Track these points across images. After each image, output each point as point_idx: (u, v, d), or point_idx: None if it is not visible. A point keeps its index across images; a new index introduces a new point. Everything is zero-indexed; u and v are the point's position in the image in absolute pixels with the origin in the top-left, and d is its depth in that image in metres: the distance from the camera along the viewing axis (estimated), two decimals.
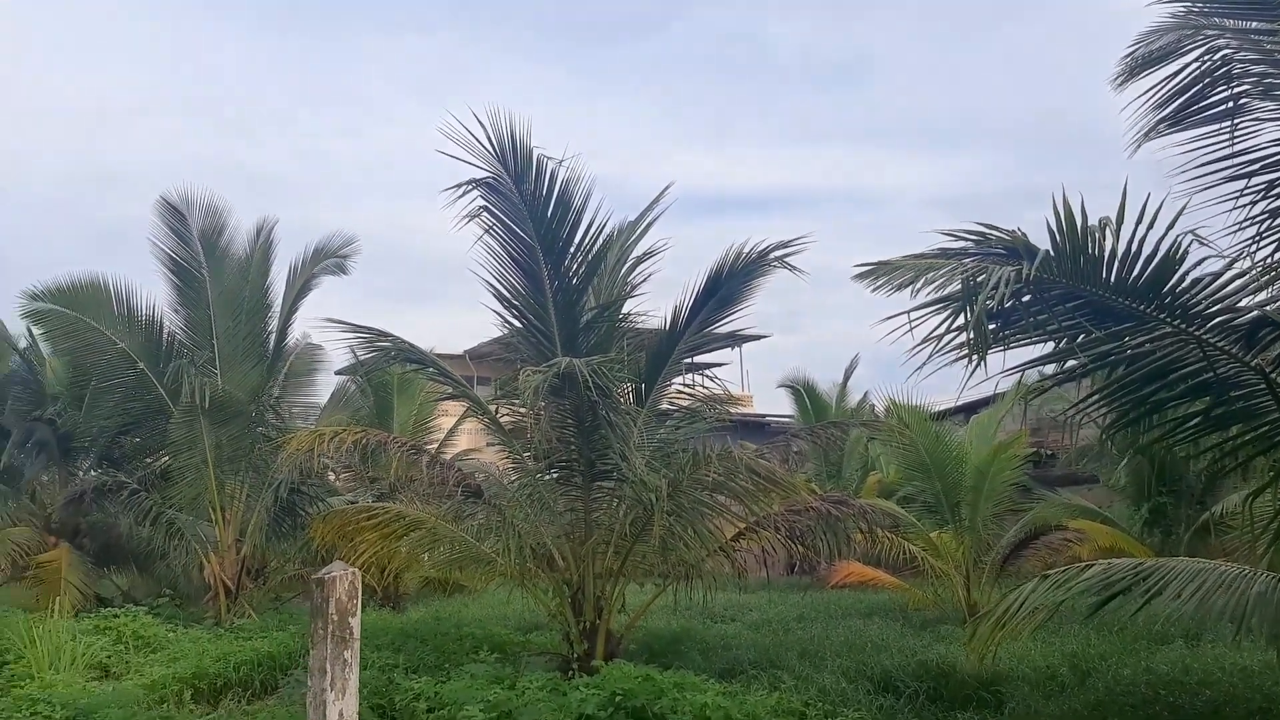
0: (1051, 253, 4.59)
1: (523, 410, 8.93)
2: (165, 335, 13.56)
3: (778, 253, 8.40)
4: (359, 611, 3.30)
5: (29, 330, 16.34)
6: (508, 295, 9.23)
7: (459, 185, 8.61)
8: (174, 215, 13.15)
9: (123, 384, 14.07)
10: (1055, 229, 4.61)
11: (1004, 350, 4.93)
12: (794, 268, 8.55)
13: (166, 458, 14.21)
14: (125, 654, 10.47)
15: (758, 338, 9.80)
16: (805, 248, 8.62)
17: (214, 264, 13.40)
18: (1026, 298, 4.91)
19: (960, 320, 4.51)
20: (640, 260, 9.61)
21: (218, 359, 13.36)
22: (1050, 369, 5.92)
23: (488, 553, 9.22)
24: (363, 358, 13.46)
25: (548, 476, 9.15)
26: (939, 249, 4.98)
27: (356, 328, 9.00)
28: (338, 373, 18.41)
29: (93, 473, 16.40)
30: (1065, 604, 6.43)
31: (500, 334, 10.44)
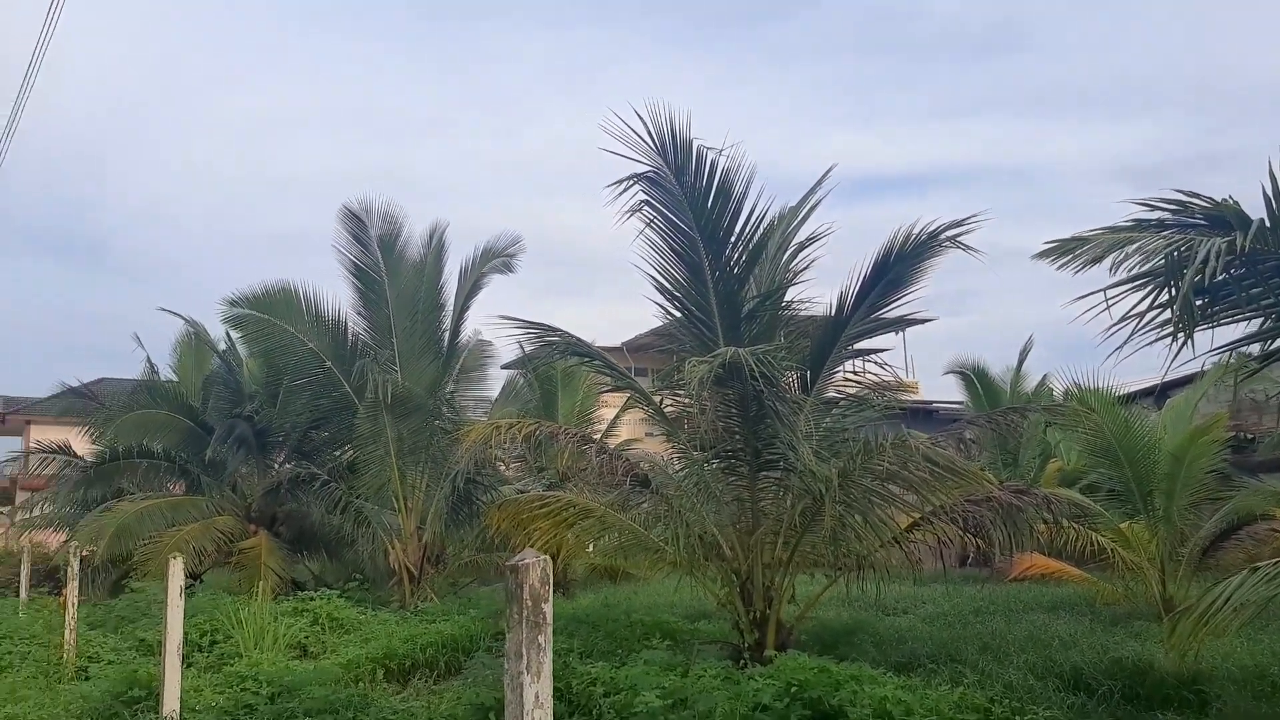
0: (1266, 221, 4.22)
1: (686, 400, 8.97)
2: (350, 335, 14.40)
3: (950, 233, 8.11)
4: (551, 598, 3.39)
5: (228, 334, 17.72)
6: (668, 286, 9.29)
7: (620, 181, 8.72)
8: (355, 222, 13.93)
9: (312, 382, 15.05)
10: (1272, 194, 4.22)
11: (1211, 328, 4.57)
12: (967, 247, 8.25)
13: (353, 450, 15.10)
14: (321, 635, 11.19)
15: (924, 321, 9.46)
16: (977, 226, 8.30)
17: (391, 267, 14.12)
18: (1235, 271, 4.54)
19: (1164, 296, 4.21)
20: (802, 246, 9.46)
21: (397, 357, 14.08)
22: (1255, 348, 5.45)
23: (655, 541, 9.34)
24: (530, 351, 13.94)
25: (713, 466, 9.16)
26: (1133, 220, 4.66)
27: (528, 324, 9.28)
28: (503, 367, 19.04)
29: (287, 465, 17.60)
30: (1276, 600, 5.94)
31: (658, 325, 10.53)
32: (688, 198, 8.59)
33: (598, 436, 17.18)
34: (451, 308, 14.50)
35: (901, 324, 9.60)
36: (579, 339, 9.79)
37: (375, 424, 13.47)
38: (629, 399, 17.93)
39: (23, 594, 15.14)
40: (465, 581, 16.07)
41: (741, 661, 8.13)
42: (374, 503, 14.22)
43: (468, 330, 15.05)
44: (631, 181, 8.72)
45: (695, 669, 7.57)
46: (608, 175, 8.79)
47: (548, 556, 3.79)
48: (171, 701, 7.15)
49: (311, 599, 12.12)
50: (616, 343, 28.16)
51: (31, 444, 28.93)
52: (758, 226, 8.79)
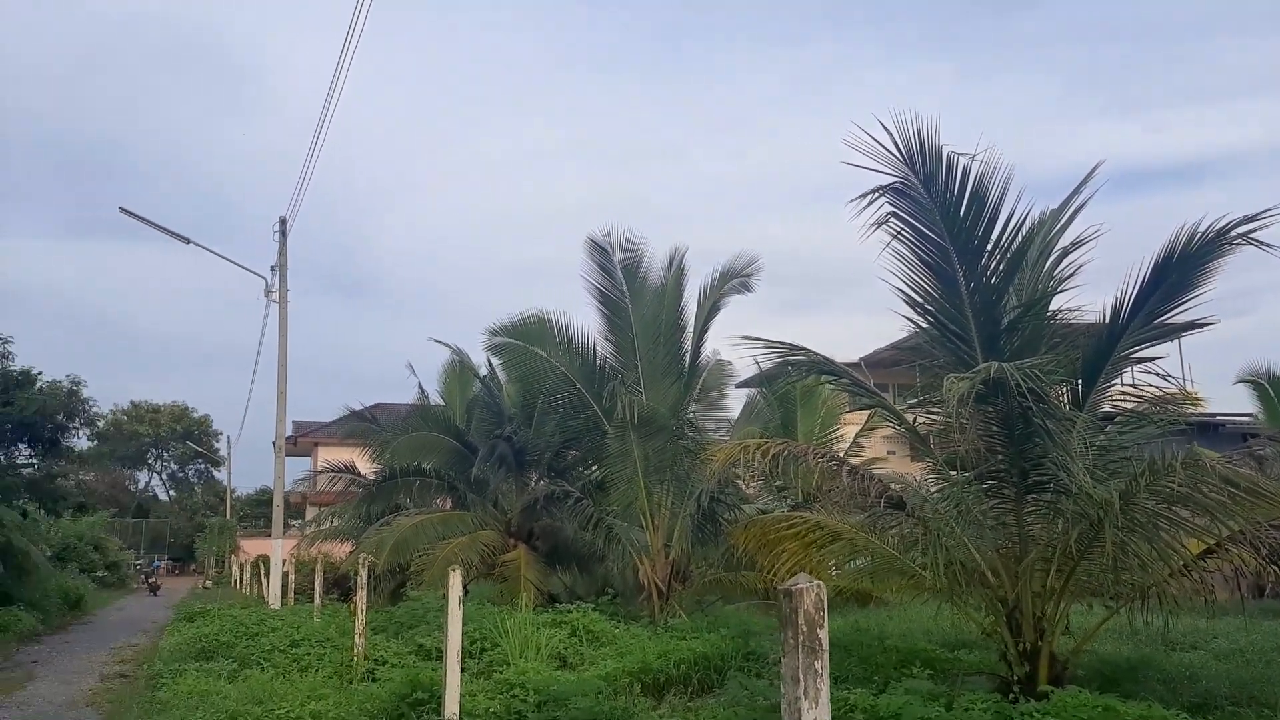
0: None
1: (942, 418, 8.59)
2: (598, 359, 14.99)
3: (1241, 229, 7.31)
4: (826, 623, 3.32)
5: (489, 360, 18.96)
6: (918, 300, 8.95)
7: (865, 195, 8.52)
8: (599, 252, 14.52)
9: (564, 404, 15.79)
10: None
11: None
12: (1263, 244, 7.38)
13: (602, 469, 15.66)
14: (579, 646, 11.62)
15: (1207, 325, 8.54)
16: (1273, 220, 7.43)
17: (634, 293, 14.58)
18: None
19: None
20: (1066, 251, 8.84)
21: (641, 378, 14.48)
22: None
23: (911, 566, 8.99)
24: (769, 370, 13.88)
25: (973, 488, 8.70)
26: None
27: (771, 343, 9.25)
28: (738, 385, 19.07)
29: (542, 482, 18.53)
30: None
31: (899, 340, 10.19)
32: (938, 207, 8.27)
33: (841, 456, 16.88)
34: (692, 329, 14.75)
35: (1184, 330, 8.75)
36: (824, 357, 9.64)
37: (623, 443, 13.89)
38: (872, 417, 17.48)
39: (317, 600, 16.82)
40: (711, 599, 16.18)
41: (1011, 695, 7.64)
42: (622, 520, 14.65)
43: (707, 351, 15.25)
44: (876, 194, 8.50)
45: (961, 700, 7.20)
46: (837, 189, 8.65)
47: (821, 583, 3.72)
48: (452, 705, 7.66)
49: (568, 611, 12.62)
50: (853, 358, 27.51)
51: (320, 464, 32.21)
52: (1016, 232, 8.30)
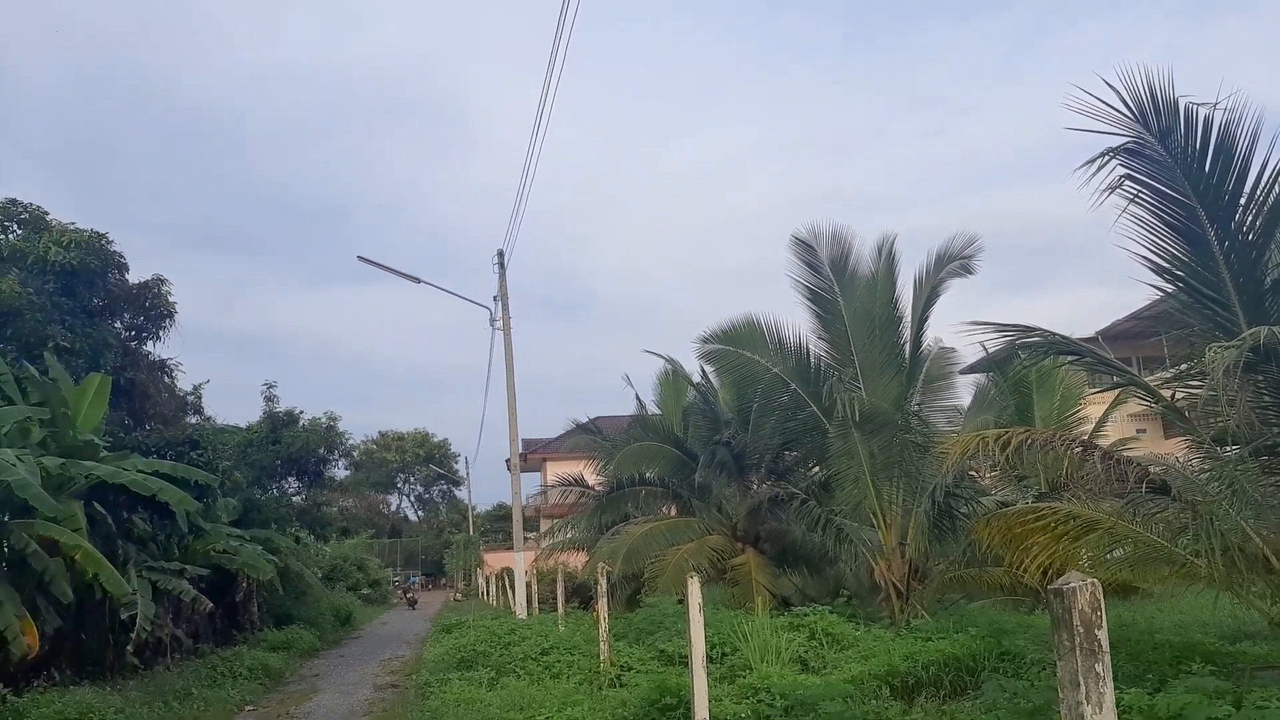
0: None
1: (1202, 391, 7.87)
2: (811, 358, 14.79)
3: None
4: (1104, 623, 3.13)
5: (702, 368, 19.18)
6: (1164, 265, 8.24)
7: (1093, 160, 7.97)
8: (805, 249, 14.33)
9: (779, 405, 15.71)
10: None
11: None
12: None
13: (824, 468, 15.43)
14: (819, 649, 11.48)
15: None
16: None
17: (844, 287, 14.28)
18: None
19: None
20: None
21: (859, 374, 14.15)
22: None
23: (1180, 554, 8.28)
24: (996, 354, 13.20)
25: (1249, 465, 7.90)
26: None
27: (1001, 326, 8.80)
28: (961, 372, 18.25)
29: (764, 485, 18.49)
30: None
31: (1139, 309, 9.39)
32: (1179, 164, 7.60)
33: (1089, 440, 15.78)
34: (909, 319, 14.26)
35: None
36: (1062, 336, 9.07)
37: (846, 442, 13.63)
38: (1119, 396, 16.23)
39: (560, 609, 17.55)
40: (953, 597, 15.56)
41: None
42: (852, 519, 14.36)
43: (928, 340, 14.68)
44: (1107, 156, 7.93)
45: (1251, 698, 6.56)
46: (1052, 157, 8.13)
47: (1095, 580, 3.52)
48: (701, 710, 7.77)
49: (805, 614, 12.50)
50: (1088, 333, 25.67)
51: (550, 478, 33.66)
52: (1273, 183, 7.49)
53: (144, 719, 11.22)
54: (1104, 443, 16.03)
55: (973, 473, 14.98)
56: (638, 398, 22.59)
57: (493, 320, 24.10)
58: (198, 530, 17.35)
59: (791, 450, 17.74)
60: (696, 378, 20.74)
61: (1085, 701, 3.20)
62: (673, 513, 20.74)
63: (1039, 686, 8.02)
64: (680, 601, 14.38)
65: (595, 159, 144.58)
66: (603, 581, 12.12)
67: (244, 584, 20.37)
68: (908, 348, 14.31)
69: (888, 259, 14.35)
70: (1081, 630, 3.24)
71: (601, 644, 11.53)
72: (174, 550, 16.46)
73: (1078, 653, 3.30)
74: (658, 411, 22.84)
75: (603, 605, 11.71)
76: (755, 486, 18.83)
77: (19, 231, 20.18)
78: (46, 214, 20.50)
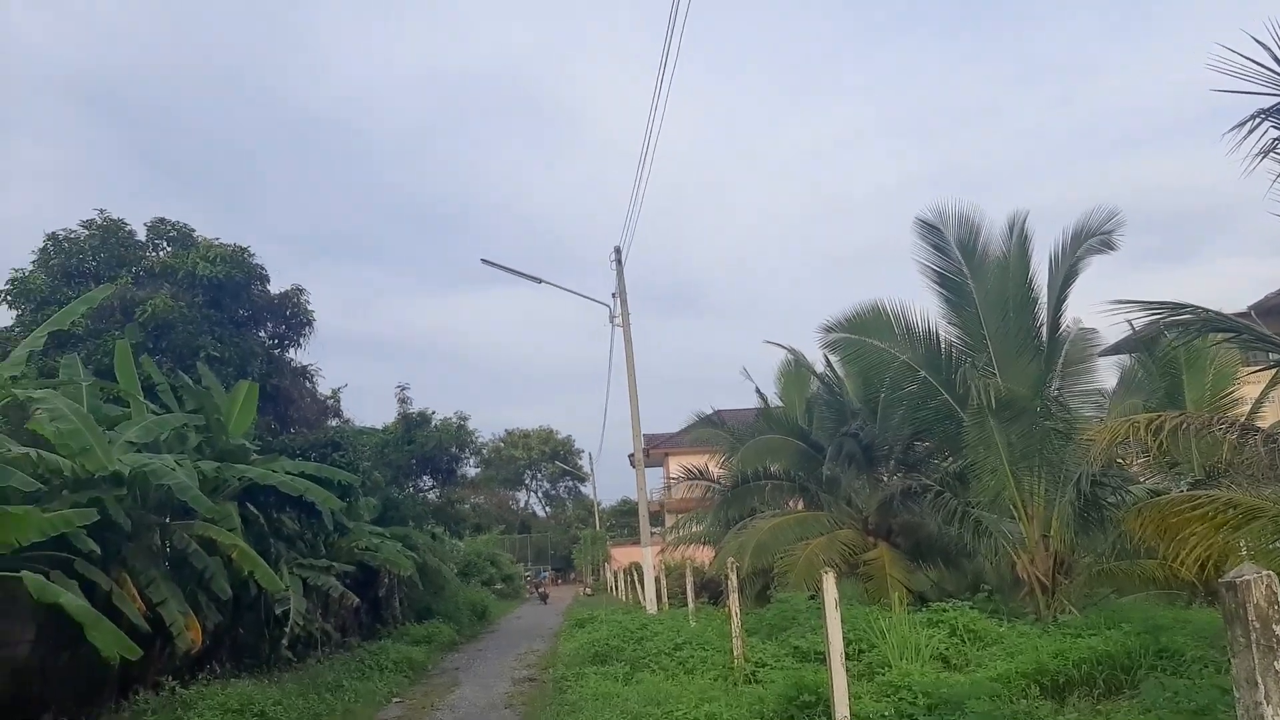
0: None
1: None
2: (941, 344, 14.32)
3: None
4: None
5: (825, 357, 18.84)
6: None
7: (1243, 122, 7.46)
8: (930, 231, 13.88)
9: (909, 394, 15.23)
10: None
11: None
12: None
13: (959, 458, 14.90)
14: (961, 647, 11.11)
15: None
16: None
17: (974, 269, 13.77)
18: None
19: None
20: None
21: (993, 359, 13.63)
22: None
23: None
24: (1140, 333, 12.49)
25: None
26: None
27: (1149, 305, 8.32)
28: (1100, 354, 17.37)
29: (895, 477, 18.04)
30: None
31: None
32: None
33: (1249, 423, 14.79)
34: (1045, 299, 13.62)
35: None
36: (1214, 312, 8.50)
37: (981, 430, 13.14)
38: (1277, 374, 15.11)
39: (690, 604, 17.56)
40: (1102, 592, 14.83)
41: None
42: (990, 511, 13.84)
43: (1066, 321, 13.99)
44: (1259, 118, 7.40)
45: None
46: (1190, 121, 7.60)
47: (1271, 573, 3.30)
48: (841, 708, 7.64)
49: (945, 610, 12.13)
50: (1240, 308, 24.07)
51: (673, 472, 33.75)
52: None
53: (300, 710, 11.78)
54: (1263, 424, 15.02)
55: (1119, 460, 14.25)
56: (758, 390, 22.38)
57: (612, 317, 24.34)
58: (342, 528, 18.13)
59: (923, 440, 17.23)
60: (819, 367, 20.40)
61: (1265, 702, 3.00)
62: (800, 507, 20.47)
63: (1201, 685, 7.56)
64: (813, 597, 14.21)
65: (706, 147, 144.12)
66: (733, 577, 12.05)
67: (386, 580, 21.20)
68: (1044, 330, 13.68)
69: (1019, 238, 13.75)
70: (1258, 625, 3.03)
71: (734, 640, 11.48)
72: (321, 548, 17.23)
73: (1254, 649, 3.09)
74: (780, 403, 22.57)
75: (734, 600, 11.65)
76: (886, 479, 18.40)
77: (168, 249, 21.50)
78: (193, 231, 21.79)
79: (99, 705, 10.74)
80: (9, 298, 19.19)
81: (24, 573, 8.52)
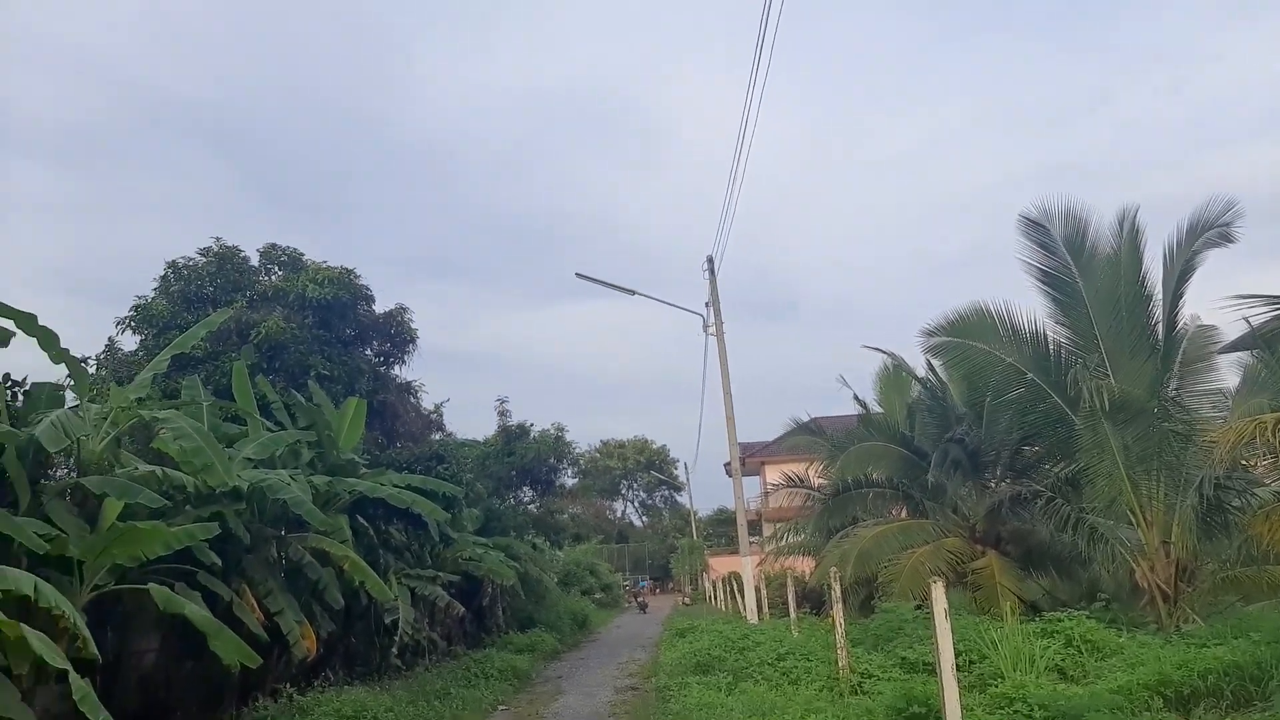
0: None
1: None
2: (1049, 345, 13.87)
3: None
4: None
5: (927, 361, 18.42)
6: None
7: None
8: (1035, 229, 13.49)
9: (1016, 397, 14.82)
10: None
11: None
12: None
13: (1070, 463, 14.39)
14: (1077, 658, 10.72)
15: None
16: None
17: (1082, 267, 13.31)
18: None
19: None
20: None
21: (1105, 360, 13.14)
22: None
23: None
24: (1263, 329, 11.85)
25: None
26: None
27: (1272, 299, 7.91)
28: (1220, 351, 16.53)
29: (1003, 483, 17.50)
30: None
31: None
32: None
33: None
34: (1160, 296, 13.07)
35: None
36: None
37: (1095, 434, 12.65)
38: None
39: (792, 614, 17.37)
40: (1227, 600, 14.09)
41: None
42: (1106, 517, 13.32)
43: (1183, 318, 13.39)
44: None
45: None
46: None
47: None
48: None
49: (1059, 620, 11.71)
50: None
51: (769, 481, 33.46)
52: None
53: (410, 716, 12.06)
54: None
55: (1244, 462, 13.56)
56: (856, 397, 22.00)
57: (705, 326, 24.29)
58: (447, 539, 18.53)
59: (1032, 445, 16.70)
60: (920, 372, 19.96)
61: None
62: (903, 514, 20.05)
63: None
64: (919, 606, 13.88)
65: (796, 153, 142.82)
66: (836, 586, 11.87)
67: (489, 589, 21.56)
68: (1160, 328, 13.12)
69: (1130, 233, 13.23)
70: None
71: (839, 650, 11.30)
72: (427, 558, 17.64)
73: None
74: (879, 410, 22.15)
75: (838, 610, 11.48)
76: (993, 485, 17.87)
77: (280, 273, 22.41)
78: (302, 255, 22.67)
79: (221, 712, 11.20)
80: (133, 323, 20.26)
81: (151, 585, 8.94)
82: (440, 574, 17.29)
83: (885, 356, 21.67)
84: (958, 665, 10.57)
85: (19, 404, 10.09)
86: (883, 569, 16.87)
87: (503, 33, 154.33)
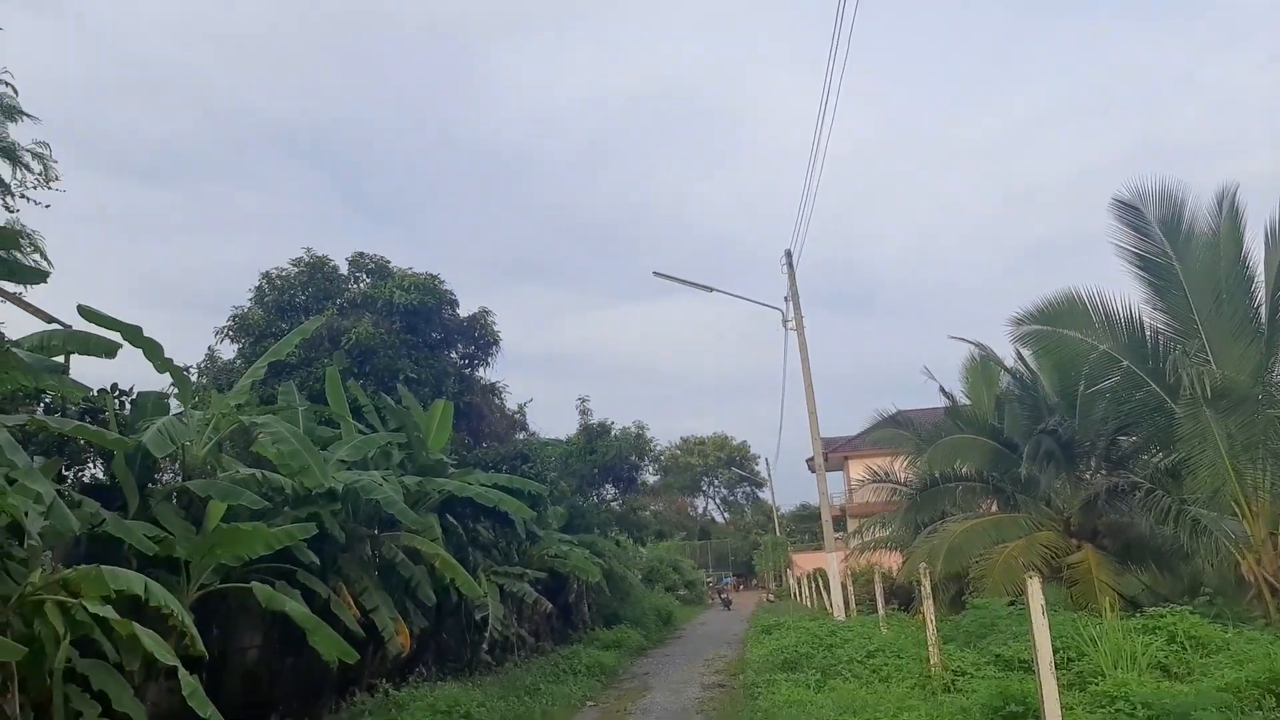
0: None
1: None
2: (1146, 331, 13.41)
3: None
4: None
5: (1017, 351, 17.96)
6: None
7: None
8: (1129, 212, 13.04)
9: (1111, 386, 14.39)
10: None
11: None
12: None
13: (1169, 453, 13.90)
14: (1181, 654, 10.34)
15: None
16: None
17: (1179, 250, 12.83)
18: None
19: None
20: None
21: (1206, 345, 12.65)
22: None
23: None
24: None
25: None
26: None
27: None
28: None
29: (1098, 475, 16.98)
30: None
31: None
32: None
33: None
34: (1263, 278, 12.51)
35: None
36: None
37: (1196, 422, 12.18)
38: None
39: (880, 611, 17.12)
40: None
41: None
42: (1209, 509, 12.81)
43: None
44: None
45: None
46: None
47: None
48: (1053, 718, 7.25)
49: (1161, 615, 11.32)
50: None
51: (853, 476, 33.02)
52: None
53: (501, 712, 12.28)
54: None
55: None
56: (942, 389, 21.55)
57: (785, 320, 24.10)
58: (533, 536, 18.80)
59: (1128, 435, 16.16)
60: (1009, 362, 19.46)
61: None
62: (994, 509, 19.59)
63: None
64: (1012, 603, 13.56)
65: (874, 143, 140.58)
66: (925, 583, 11.68)
67: (575, 586, 21.79)
68: (1264, 311, 12.57)
69: (1230, 213, 12.69)
70: None
71: (930, 647, 11.12)
72: (514, 555, 17.92)
73: None
74: (967, 401, 21.68)
75: (928, 606, 11.29)
76: (1088, 477, 17.35)
77: (368, 280, 22.98)
78: (388, 262, 23.20)
79: (320, 706, 11.57)
80: (231, 333, 21.03)
81: (254, 583, 9.29)
82: (527, 571, 17.54)
83: (972, 347, 21.21)
84: (1055, 663, 10.32)
85: (127, 412, 10.58)
86: (973, 564, 16.53)
87: (576, 35, 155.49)
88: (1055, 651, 10.42)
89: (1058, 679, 9.62)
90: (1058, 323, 14.14)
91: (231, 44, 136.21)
